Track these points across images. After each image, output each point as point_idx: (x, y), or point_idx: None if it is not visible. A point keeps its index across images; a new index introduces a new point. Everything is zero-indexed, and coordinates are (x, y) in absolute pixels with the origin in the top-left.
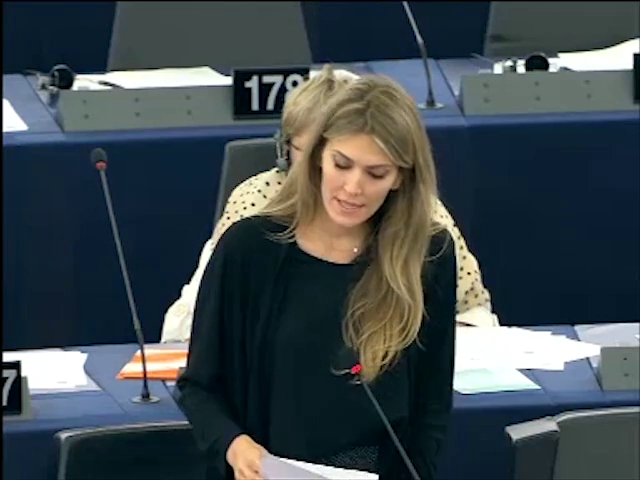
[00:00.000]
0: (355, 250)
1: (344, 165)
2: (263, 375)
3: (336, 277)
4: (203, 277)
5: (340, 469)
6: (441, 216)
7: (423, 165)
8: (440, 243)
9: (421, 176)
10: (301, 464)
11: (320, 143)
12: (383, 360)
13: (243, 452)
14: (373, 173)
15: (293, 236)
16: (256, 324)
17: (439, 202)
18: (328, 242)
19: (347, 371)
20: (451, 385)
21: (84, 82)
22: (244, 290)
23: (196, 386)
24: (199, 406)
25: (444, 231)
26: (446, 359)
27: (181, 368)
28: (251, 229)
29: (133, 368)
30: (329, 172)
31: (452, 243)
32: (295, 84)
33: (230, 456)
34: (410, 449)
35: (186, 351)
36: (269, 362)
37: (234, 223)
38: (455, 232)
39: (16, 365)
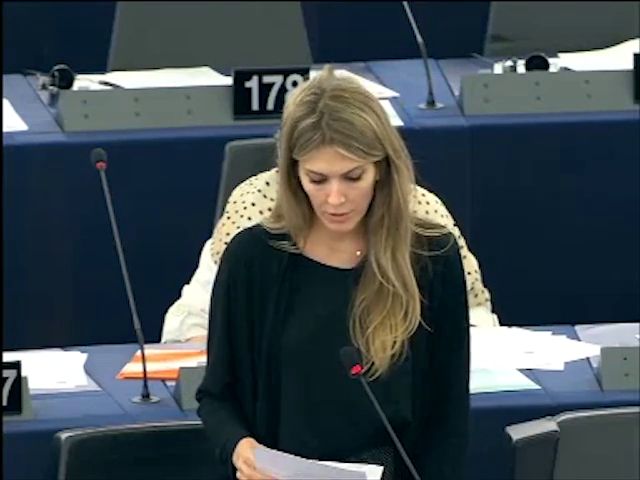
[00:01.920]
0: (358, 253)
1: (319, 180)
2: (272, 382)
3: (340, 282)
4: (212, 290)
5: (342, 464)
6: (441, 216)
7: (393, 154)
8: (443, 244)
9: (394, 165)
10: (292, 456)
11: (293, 163)
12: (393, 349)
13: (243, 452)
14: (350, 177)
15: (295, 245)
16: (262, 331)
17: (439, 202)
18: (331, 245)
19: (352, 371)
20: (467, 388)
21: (84, 82)
22: (249, 298)
23: (210, 397)
24: (211, 415)
25: (448, 234)
26: (460, 364)
27: (181, 368)
28: (253, 238)
29: (133, 368)
30: (309, 190)
31: (456, 247)
32: (295, 84)
33: (234, 459)
34: (438, 457)
35: (186, 351)
36: (276, 369)
37: (237, 234)
38: (455, 232)
39: (16, 365)
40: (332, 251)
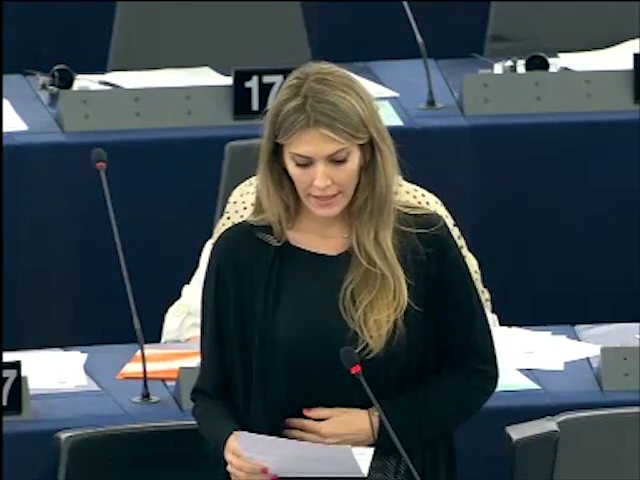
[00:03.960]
0: (345, 236)
1: (305, 163)
2: (266, 375)
3: (329, 268)
4: (203, 288)
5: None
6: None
7: (377, 137)
8: (432, 223)
9: (378, 148)
10: (276, 439)
11: (276, 149)
12: (387, 326)
13: (230, 444)
14: (335, 159)
15: (277, 239)
16: (254, 325)
17: (439, 202)
18: (319, 232)
19: (351, 371)
20: (492, 344)
21: (84, 82)
22: (238, 293)
23: (203, 396)
24: (204, 414)
25: (437, 215)
26: (474, 333)
27: (181, 368)
28: (240, 233)
29: (133, 368)
30: (295, 174)
31: (446, 226)
32: None
33: (225, 454)
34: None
35: (186, 351)
36: (271, 361)
37: (225, 230)
38: (455, 232)
39: (16, 365)
40: (320, 238)
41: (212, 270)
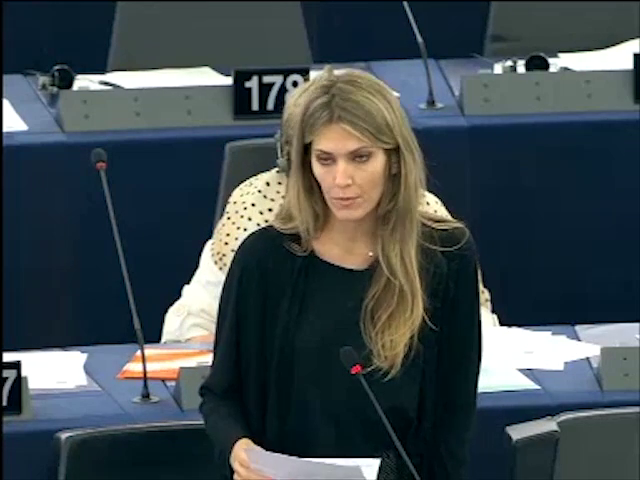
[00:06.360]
0: (370, 254)
1: (327, 160)
2: (283, 383)
3: (353, 283)
4: (223, 288)
5: (335, 459)
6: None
7: (404, 146)
8: (456, 240)
9: (402, 156)
10: (285, 456)
11: (306, 152)
12: (401, 346)
13: (239, 453)
14: (357, 158)
15: (305, 249)
16: (274, 333)
17: (439, 202)
18: (344, 246)
19: (351, 371)
20: (476, 383)
21: (84, 82)
22: (262, 300)
23: (212, 394)
24: (211, 413)
25: (463, 230)
26: (470, 358)
27: (181, 368)
28: (267, 238)
29: (133, 368)
30: (319, 173)
31: (472, 242)
32: (295, 84)
33: (231, 461)
34: (445, 454)
35: (186, 351)
36: (289, 370)
37: (250, 235)
38: None
39: (16, 365)
40: (346, 253)
41: (235, 271)
